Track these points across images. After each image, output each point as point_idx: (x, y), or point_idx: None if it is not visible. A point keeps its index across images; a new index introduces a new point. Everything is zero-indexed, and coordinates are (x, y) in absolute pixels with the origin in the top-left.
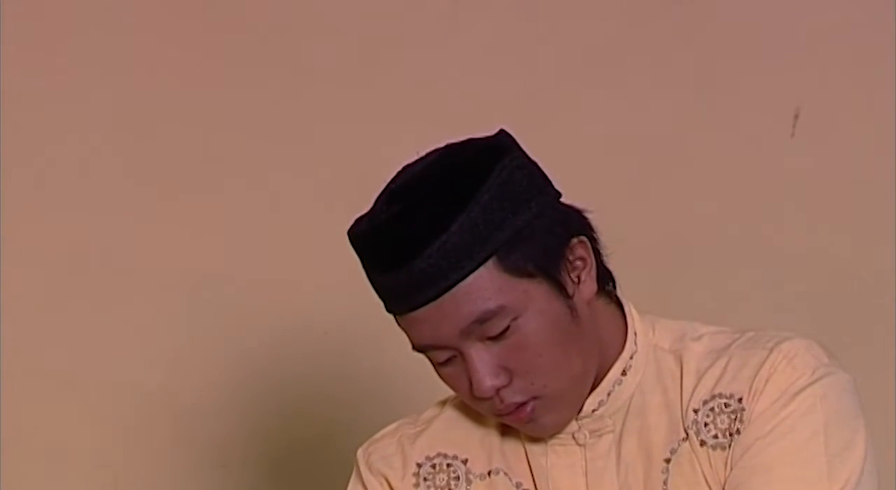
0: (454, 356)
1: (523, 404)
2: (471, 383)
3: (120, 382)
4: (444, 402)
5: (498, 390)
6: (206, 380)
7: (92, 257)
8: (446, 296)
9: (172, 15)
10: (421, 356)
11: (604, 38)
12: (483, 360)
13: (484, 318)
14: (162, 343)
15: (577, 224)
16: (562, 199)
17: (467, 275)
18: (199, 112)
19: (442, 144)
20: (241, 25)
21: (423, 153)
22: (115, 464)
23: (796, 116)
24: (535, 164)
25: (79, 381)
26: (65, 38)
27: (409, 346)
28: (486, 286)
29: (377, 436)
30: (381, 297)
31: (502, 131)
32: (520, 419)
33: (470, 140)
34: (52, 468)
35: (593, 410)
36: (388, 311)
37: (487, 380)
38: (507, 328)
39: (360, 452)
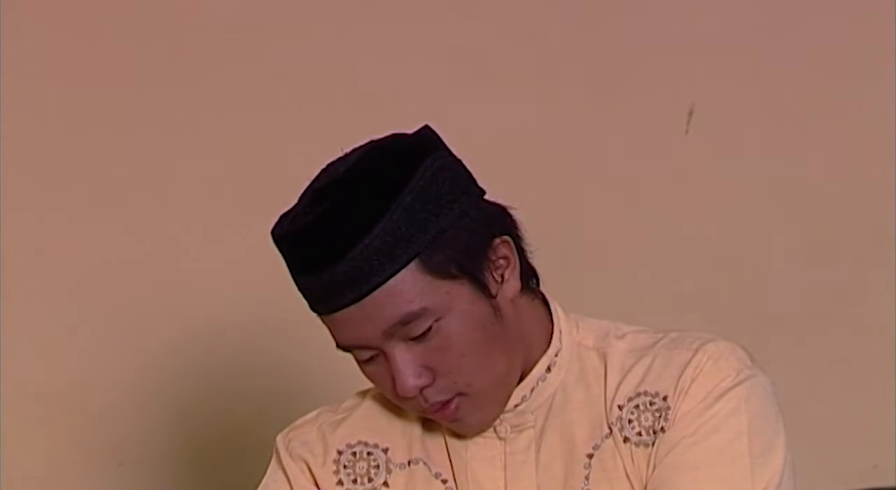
0: (377, 355)
1: (448, 402)
2: (394, 382)
3: (14, 382)
4: (364, 392)
5: (421, 390)
6: (103, 378)
7: None
8: (369, 298)
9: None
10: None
11: (498, 35)
12: (406, 361)
13: (406, 320)
14: (57, 342)
15: (500, 223)
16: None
17: (390, 277)
18: (94, 109)
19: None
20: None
21: (347, 150)
22: (9, 464)
23: (690, 113)
24: (459, 162)
25: None
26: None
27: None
28: (408, 288)
29: (297, 422)
30: (304, 296)
31: (426, 128)
32: (445, 416)
33: (394, 137)
34: None
35: (515, 405)
36: (312, 310)
37: (410, 380)
38: (430, 329)
39: (279, 439)
